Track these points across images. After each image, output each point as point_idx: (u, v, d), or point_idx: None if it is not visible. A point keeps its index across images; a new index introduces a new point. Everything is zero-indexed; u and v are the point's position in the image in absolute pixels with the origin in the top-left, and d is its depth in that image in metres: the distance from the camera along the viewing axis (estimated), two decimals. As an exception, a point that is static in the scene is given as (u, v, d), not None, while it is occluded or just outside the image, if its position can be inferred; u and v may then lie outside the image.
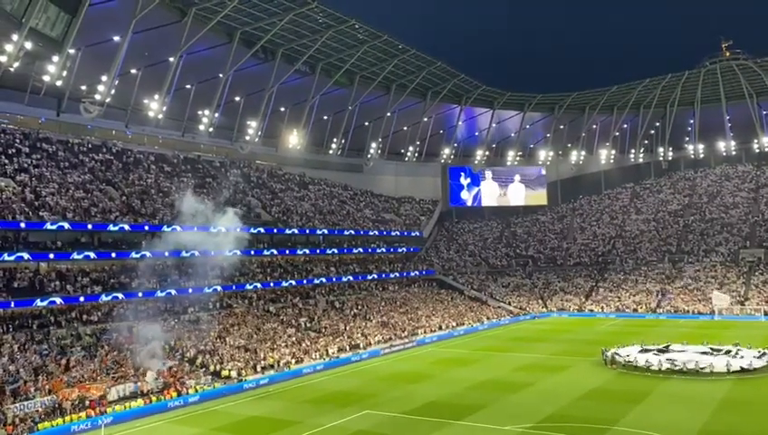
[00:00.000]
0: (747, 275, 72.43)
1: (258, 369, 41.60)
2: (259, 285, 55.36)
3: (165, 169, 59.97)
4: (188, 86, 61.68)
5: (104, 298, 42.95)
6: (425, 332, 58.22)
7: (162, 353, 39.76)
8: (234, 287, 53.03)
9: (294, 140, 73.13)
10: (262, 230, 57.27)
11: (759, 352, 40.44)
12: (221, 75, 62.38)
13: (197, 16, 56.17)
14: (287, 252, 61.14)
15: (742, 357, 39.42)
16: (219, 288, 51.26)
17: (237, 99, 66.74)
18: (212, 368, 40.16)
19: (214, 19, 56.94)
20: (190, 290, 48.62)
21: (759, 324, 60.18)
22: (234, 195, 59.88)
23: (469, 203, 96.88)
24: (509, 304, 75.46)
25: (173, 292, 47.22)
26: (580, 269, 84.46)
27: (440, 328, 60.44)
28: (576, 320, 69.64)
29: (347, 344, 49.68)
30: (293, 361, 44.18)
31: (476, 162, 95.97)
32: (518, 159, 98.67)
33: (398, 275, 73.24)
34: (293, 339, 48.35)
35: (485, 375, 40.28)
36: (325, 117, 77.54)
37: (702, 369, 37.52)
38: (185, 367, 39.66)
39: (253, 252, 56.07)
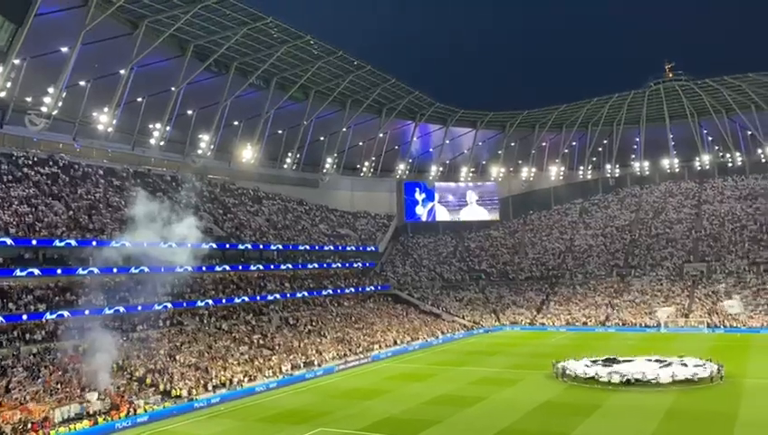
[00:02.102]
0: (691, 288, 74.97)
1: (209, 387, 40.77)
2: (211, 302, 54.40)
3: (114, 183, 58.55)
4: (139, 99, 60.49)
5: (49, 316, 41.48)
6: (380, 347, 58.15)
7: (110, 373, 38.59)
8: (184, 304, 51.95)
9: (248, 154, 72.55)
10: (214, 246, 56.26)
11: (702, 362, 41.79)
12: (173, 88, 61.51)
13: (149, 29, 55.39)
14: (240, 268, 60.36)
15: (686, 367, 40.63)
16: (169, 305, 50.14)
17: (190, 112, 65.82)
18: (162, 387, 39.17)
19: (166, 32, 56.28)
20: (139, 307, 47.38)
21: (702, 336, 62.24)
22: (185, 210, 58.85)
23: (424, 218, 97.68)
24: (463, 317, 76.13)
25: (121, 309, 45.94)
26: (532, 283, 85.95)
27: (395, 343, 60.48)
28: (528, 333, 70.75)
29: (301, 361, 49.19)
30: (246, 379, 43.48)
31: (431, 178, 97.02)
32: (471, 175, 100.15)
33: (353, 290, 73.06)
34: (246, 356, 47.62)
35: (440, 390, 40.43)
36: (280, 131, 77.18)
37: (649, 380, 38.55)
38: (133, 386, 38.58)
39: (204, 268, 55.01)
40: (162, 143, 63.54)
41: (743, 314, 65.80)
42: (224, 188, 72.31)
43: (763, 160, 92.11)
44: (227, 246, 58.99)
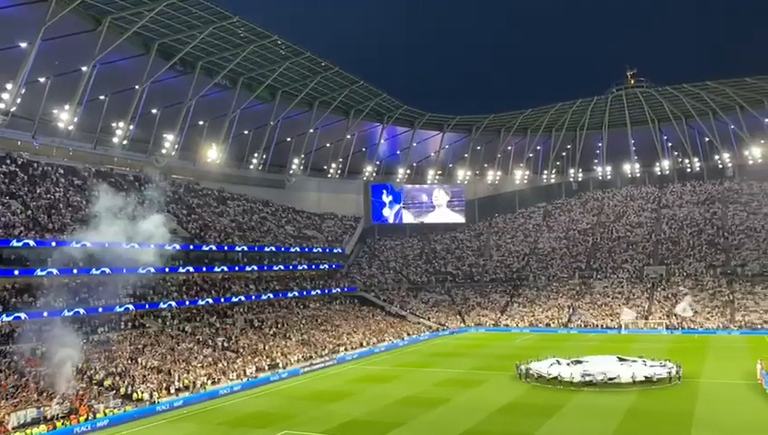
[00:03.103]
0: (651, 290, 76.70)
1: (172, 391, 40.17)
2: (174, 304, 53.68)
3: (75, 182, 57.34)
4: (102, 97, 59.42)
5: (5, 318, 40.42)
6: (346, 349, 58.06)
7: (69, 376, 37.72)
8: (147, 306, 51.19)
9: (213, 154, 71.79)
10: (177, 247, 55.46)
11: (661, 363, 42.83)
12: (137, 87, 60.53)
13: (113, 26, 54.45)
14: (204, 269, 59.68)
15: (645, 367, 41.56)
16: (131, 307, 49.34)
17: (154, 111, 64.90)
18: (123, 390, 38.45)
19: (130, 29, 55.37)
20: (100, 309, 46.53)
21: (661, 337, 63.71)
22: (148, 210, 57.88)
23: (391, 220, 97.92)
24: (429, 319, 76.51)
25: (82, 311, 45.03)
26: (496, 285, 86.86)
27: (361, 345, 60.46)
28: (492, 335, 71.49)
29: (266, 364, 48.82)
30: (209, 382, 42.95)
31: (398, 180, 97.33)
32: (438, 177, 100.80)
33: (319, 292, 72.85)
34: (210, 359, 47.04)
35: (405, 392, 40.57)
36: (246, 131, 76.56)
37: (610, 380, 39.32)
38: (93, 390, 37.79)
39: (168, 269, 54.27)
40: (125, 142, 62.50)
41: (698, 316, 67.52)
42: (188, 188, 71.39)
43: (720, 166, 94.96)
44: (191, 247, 58.27)
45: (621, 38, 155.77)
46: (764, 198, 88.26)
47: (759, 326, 63.91)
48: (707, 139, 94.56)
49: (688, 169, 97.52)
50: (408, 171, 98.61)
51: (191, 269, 57.66)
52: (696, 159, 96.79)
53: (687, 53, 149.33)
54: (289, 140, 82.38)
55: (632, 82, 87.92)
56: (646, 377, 39.40)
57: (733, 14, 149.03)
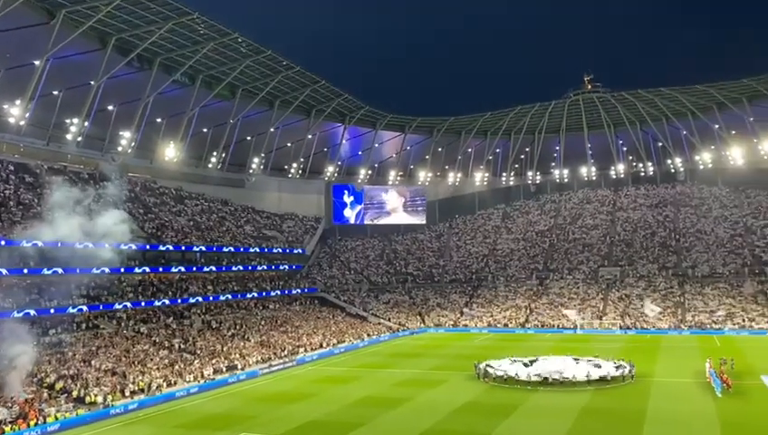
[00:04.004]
0: (605, 291, 78.46)
1: (127, 393, 39.31)
2: (129, 305, 52.59)
3: (26, 179, 55.66)
4: (55, 92, 57.82)
5: (-50, 320, 38.94)
6: (305, 350, 57.74)
7: (18, 380, 36.51)
8: (101, 307, 50.01)
9: (171, 152, 70.60)
10: (133, 246, 54.37)
11: (615, 363, 43.84)
12: (92, 82, 59.16)
13: (67, 19, 53.06)
14: (161, 269, 58.68)
15: (600, 367, 42.49)
16: (85, 308, 48.13)
17: (110, 108, 63.50)
18: (75, 394, 37.43)
19: (86, 23, 54.06)
20: (52, 310, 45.26)
21: (615, 337, 65.16)
22: (103, 208, 56.52)
23: (352, 221, 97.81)
24: (389, 320, 76.70)
25: (32, 312, 43.68)
26: (456, 286, 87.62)
27: (321, 346, 60.22)
28: (451, 335, 72.09)
29: (223, 365, 48.18)
30: (165, 384, 42.19)
31: (360, 181, 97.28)
32: (399, 178, 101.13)
33: (279, 293, 72.27)
34: (166, 361, 46.20)
35: (365, 392, 40.58)
36: (205, 130, 75.49)
37: (566, 379, 40.08)
38: (43, 394, 36.69)
39: (123, 269, 53.19)
40: (80, 139, 61.02)
41: (662, 315, 69.37)
42: (145, 187, 70.01)
43: (673, 171, 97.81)
44: (148, 246, 57.20)
45: (580, 44, 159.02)
46: (714, 201, 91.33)
47: (708, 326, 66.01)
48: (660, 144, 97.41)
49: (642, 173, 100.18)
50: (370, 172, 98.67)
51: (147, 269, 56.59)
52: (649, 164, 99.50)
53: (644, 59, 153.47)
54: (249, 139, 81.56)
55: (589, 87, 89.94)
56: (600, 376, 40.26)
57: (687, 26, 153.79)
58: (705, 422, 29.93)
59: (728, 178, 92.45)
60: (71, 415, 34.88)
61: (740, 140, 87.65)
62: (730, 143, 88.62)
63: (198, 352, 50.05)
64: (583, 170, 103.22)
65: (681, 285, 75.95)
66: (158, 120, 69.18)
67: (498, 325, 74.87)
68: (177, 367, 45.31)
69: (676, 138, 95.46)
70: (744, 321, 65.75)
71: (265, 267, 73.53)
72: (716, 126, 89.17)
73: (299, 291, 76.32)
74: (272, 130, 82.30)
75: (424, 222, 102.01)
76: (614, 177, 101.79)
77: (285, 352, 55.25)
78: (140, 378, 41.63)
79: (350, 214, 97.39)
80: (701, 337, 62.16)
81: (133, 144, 66.33)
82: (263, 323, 63.28)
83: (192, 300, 59.44)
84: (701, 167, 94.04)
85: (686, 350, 53.95)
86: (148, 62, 64.06)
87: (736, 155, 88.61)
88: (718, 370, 38.15)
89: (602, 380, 39.94)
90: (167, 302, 56.49)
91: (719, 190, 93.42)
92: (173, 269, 59.66)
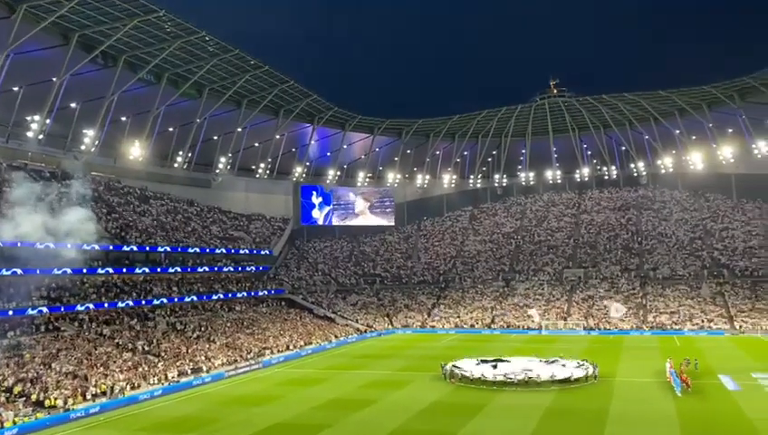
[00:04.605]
0: (570, 292, 79.71)
1: (88, 397, 38.53)
2: (92, 306, 51.53)
3: (-16, 177, 54.10)
4: (16, 89, 56.40)
5: None
6: (272, 352, 57.36)
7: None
8: (62, 308, 48.89)
9: (136, 151, 69.47)
10: (96, 247, 53.37)
11: (579, 363, 44.58)
12: (55, 79, 57.82)
13: (29, 14, 51.83)
14: (124, 270, 57.68)
15: (564, 367, 43.18)
16: (45, 310, 47.01)
17: (73, 105, 62.15)
18: (34, 397, 36.53)
19: (48, 18, 52.88)
20: (11, 312, 44.09)
21: (579, 338, 66.26)
22: (65, 208, 55.34)
23: (320, 222, 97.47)
24: (357, 321, 76.66)
25: (-11, 314, 42.52)
26: (424, 287, 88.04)
27: (288, 348, 59.88)
28: (419, 336, 72.40)
29: (188, 368, 47.58)
30: (129, 387, 41.49)
31: (328, 182, 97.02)
32: (368, 180, 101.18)
33: (245, 294, 71.59)
34: (130, 363, 45.41)
35: (332, 394, 40.49)
36: (171, 129, 74.47)
37: (531, 379, 40.60)
38: (0, 398, 35.72)
39: (85, 270, 52.15)
40: (41, 137, 59.57)
41: (626, 317, 70.68)
42: (108, 186, 68.71)
43: (635, 175, 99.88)
44: (111, 247, 56.18)
45: (546, 47, 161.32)
46: (674, 205, 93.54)
47: (668, 327, 67.59)
48: (624, 148, 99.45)
49: (606, 177, 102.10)
50: (339, 173, 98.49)
51: (111, 270, 55.58)
52: (613, 168, 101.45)
53: (608, 65, 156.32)
54: (216, 138, 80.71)
55: (555, 91, 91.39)
56: (564, 377, 40.88)
57: (653, 30, 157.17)
58: (665, 421, 30.62)
59: (688, 182, 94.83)
60: (29, 419, 34.05)
61: (700, 145, 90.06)
62: (690, 148, 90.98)
63: (163, 354, 49.33)
64: (549, 174, 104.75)
65: (643, 287, 77.60)
66: (123, 118, 68.00)
67: (465, 326, 75.45)
68: (140, 369, 44.59)
69: (639, 142, 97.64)
70: (702, 322, 67.49)
71: (232, 269, 72.84)
72: (677, 131, 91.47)
73: (266, 292, 75.74)
74: (239, 129, 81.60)
75: (392, 223, 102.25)
76: (578, 180, 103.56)
77: (251, 355, 54.80)
78: (103, 381, 40.85)
79: (318, 215, 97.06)
80: (662, 338, 63.61)
81: (97, 143, 65.09)
82: (228, 324, 62.66)
83: (156, 301, 58.54)
84: (663, 171, 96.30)
85: (648, 350, 55.12)
86: (112, 60, 62.95)
87: (696, 160, 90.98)
88: (678, 370, 39.06)
89: (566, 380, 40.55)
90: (130, 303, 55.54)
91: (680, 194, 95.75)
92: (137, 270, 58.69)
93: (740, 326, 64.99)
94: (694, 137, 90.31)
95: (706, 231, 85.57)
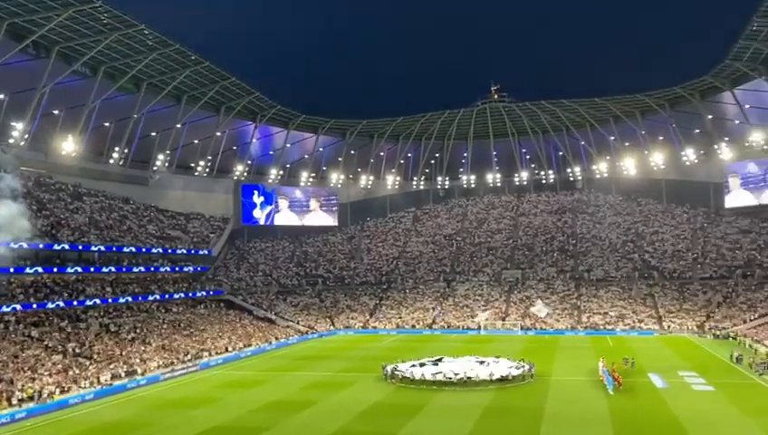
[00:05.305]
0: (508, 293, 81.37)
1: (14, 401, 36.83)
2: (19, 307, 49.32)
3: None
4: (-63, 77, 53.44)
5: None
6: (210, 354, 56.24)
7: None
8: (-14, 310, 46.56)
9: (69, 146, 66.83)
10: (24, 245, 51.09)
11: (516, 363, 45.53)
12: (-20, 69, 55.02)
13: (-47, -1, 49.11)
14: (55, 270, 55.45)
15: (502, 366, 44.00)
16: (-33, 311, 44.65)
17: (1, 97, 59.27)
18: (-46, 404, 34.71)
19: (-27, 5, 50.22)
20: (-72, 314, 41.68)
21: (517, 338, 67.71)
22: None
23: (262, 222, 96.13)
24: (298, 323, 76.02)
25: None
26: (366, 288, 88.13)
27: (227, 350, 58.83)
28: (361, 337, 72.42)
29: (122, 371, 46.12)
30: (58, 391, 39.88)
31: (270, 181, 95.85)
32: (311, 180, 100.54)
33: (183, 295, 69.94)
34: (59, 366, 43.68)
35: (271, 396, 40.03)
36: (107, 124, 72.04)
37: (469, 379, 41.21)
38: None
39: (12, 269, 49.90)
40: (-35, 129, 56.56)
41: (550, 317, 72.60)
42: (39, 182, 65.89)
43: (572, 179, 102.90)
44: (41, 245, 53.87)
45: (489, 54, 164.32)
46: (608, 209, 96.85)
47: (601, 327, 69.87)
48: (561, 153, 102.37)
49: (543, 181, 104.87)
50: (282, 172, 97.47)
51: (40, 270, 53.35)
52: (550, 172, 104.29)
53: (547, 71, 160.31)
54: (154, 134, 78.51)
55: (496, 96, 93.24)
56: (502, 376, 41.69)
57: (593, 40, 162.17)
58: (598, 419, 31.62)
59: (622, 186, 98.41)
60: (-52, 427, 32.33)
61: (633, 151, 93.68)
62: (624, 154, 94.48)
63: (95, 356, 47.66)
64: (489, 177, 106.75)
65: (577, 288, 79.97)
66: (56, 111, 65.34)
67: (406, 326, 75.95)
68: (71, 373, 42.96)
69: (575, 148, 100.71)
70: (633, 322, 70.08)
71: (169, 269, 71.04)
72: (612, 138, 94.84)
73: (204, 293, 74.20)
74: (178, 126, 79.68)
75: (335, 224, 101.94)
76: (517, 183, 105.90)
77: (189, 357, 53.59)
78: (30, 385, 39.14)
79: (259, 214, 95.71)
80: (595, 337, 65.69)
81: (27, 136, 62.29)
82: (165, 326, 61.07)
83: (89, 302, 56.53)
84: (597, 176, 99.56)
85: (582, 350, 56.78)
86: (45, 50, 60.39)
87: (629, 165, 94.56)
88: (611, 368, 40.40)
89: (504, 379, 41.36)
90: (61, 304, 53.42)
91: (613, 198, 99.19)
92: (68, 269, 56.53)
93: (668, 326, 67.84)
94: (627, 143, 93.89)
95: (638, 234, 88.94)
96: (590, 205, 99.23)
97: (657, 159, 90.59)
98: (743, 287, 71.15)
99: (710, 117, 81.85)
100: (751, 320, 62.70)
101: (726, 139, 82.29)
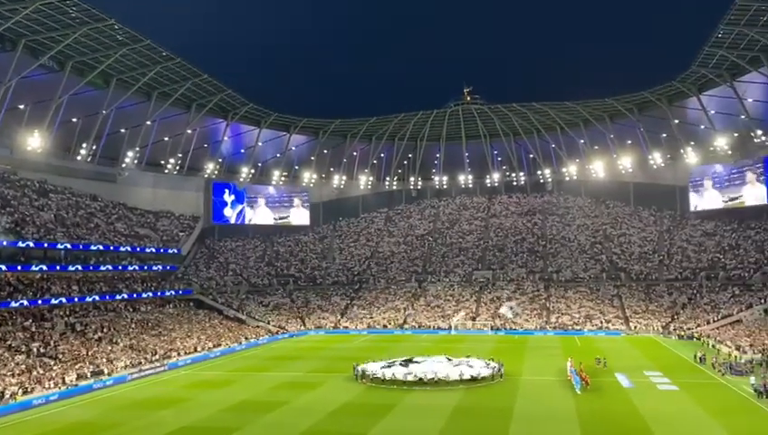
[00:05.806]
0: (478, 293, 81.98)
1: (-25, 403, 35.97)
2: (-19, 306, 48.11)
3: None
4: None
5: None
6: (179, 354, 55.55)
7: None
8: (-53, 308, 45.35)
9: (35, 142, 65.38)
10: (-12, 242, 49.98)
11: (486, 362, 45.91)
12: (-57, 60, 53.55)
13: None
14: (19, 268, 54.24)
15: (472, 367, 44.34)
16: (-74, 310, 43.43)
17: (-37, 90, 57.82)
18: None
19: (-64, -5, 48.89)
20: None
21: (487, 338, 68.24)
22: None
23: (233, 220, 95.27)
24: (269, 323, 75.51)
25: None
26: (338, 288, 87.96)
27: (196, 350, 58.18)
28: (332, 337, 72.26)
29: (88, 371, 45.31)
30: (21, 391, 39.01)
31: (242, 179, 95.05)
32: (283, 179, 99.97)
33: (151, 294, 68.98)
34: (23, 367, 42.74)
35: (241, 396, 39.72)
36: (74, 119, 70.69)
37: (440, 379, 41.43)
38: None
39: (-26, 267, 48.62)
40: (-75, 122, 54.99)
41: (518, 318, 73.36)
42: (3, 178, 64.44)
43: (542, 181, 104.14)
44: (5, 242, 52.67)
45: (462, 56, 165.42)
46: (577, 211, 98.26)
47: (570, 327, 70.83)
48: (531, 155, 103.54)
49: (514, 183, 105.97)
50: (253, 171, 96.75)
51: (3, 268, 52.19)
52: (521, 174, 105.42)
53: (520, 73, 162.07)
54: (123, 131, 77.27)
55: (468, 98, 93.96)
56: (472, 376, 42.00)
57: (567, 43, 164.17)
58: (565, 418, 32.06)
59: (590, 189, 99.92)
60: None
61: (602, 154, 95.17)
62: (593, 157, 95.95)
63: (60, 356, 46.74)
64: (461, 178, 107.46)
65: (547, 289, 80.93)
66: (21, 106, 63.90)
67: (378, 326, 76.01)
68: (35, 373, 42.07)
69: (545, 150, 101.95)
70: (601, 323, 71.17)
71: (137, 267, 70.01)
72: (582, 141, 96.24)
73: (173, 293, 73.27)
74: (148, 122, 78.56)
75: (307, 223, 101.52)
76: (489, 185, 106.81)
77: (157, 357, 52.87)
78: (-9, 386, 38.21)
79: (230, 213, 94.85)
80: (563, 338, 66.53)
81: (-10, 131, 60.85)
82: (133, 325, 60.17)
83: (55, 301, 55.42)
84: (567, 178, 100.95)
85: (551, 350, 57.44)
86: (11, 43, 59.02)
87: (598, 168, 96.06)
88: (579, 368, 40.99)
89: (474, 379, 41.67)
90: (25, 303, 52.29)
91: (582, 201, 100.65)
92: (33, 268, 55.36)
93: (635, 327, 69.06)
94: (596, 147, 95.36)
95: (606, 236, 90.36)
96: (559, 207, 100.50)
97: (626, 162, 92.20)
98: (707, 289, 72.75)
99: (677, 121, 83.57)
100: (714, 321, 64.14)
101: (692, 143, 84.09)
